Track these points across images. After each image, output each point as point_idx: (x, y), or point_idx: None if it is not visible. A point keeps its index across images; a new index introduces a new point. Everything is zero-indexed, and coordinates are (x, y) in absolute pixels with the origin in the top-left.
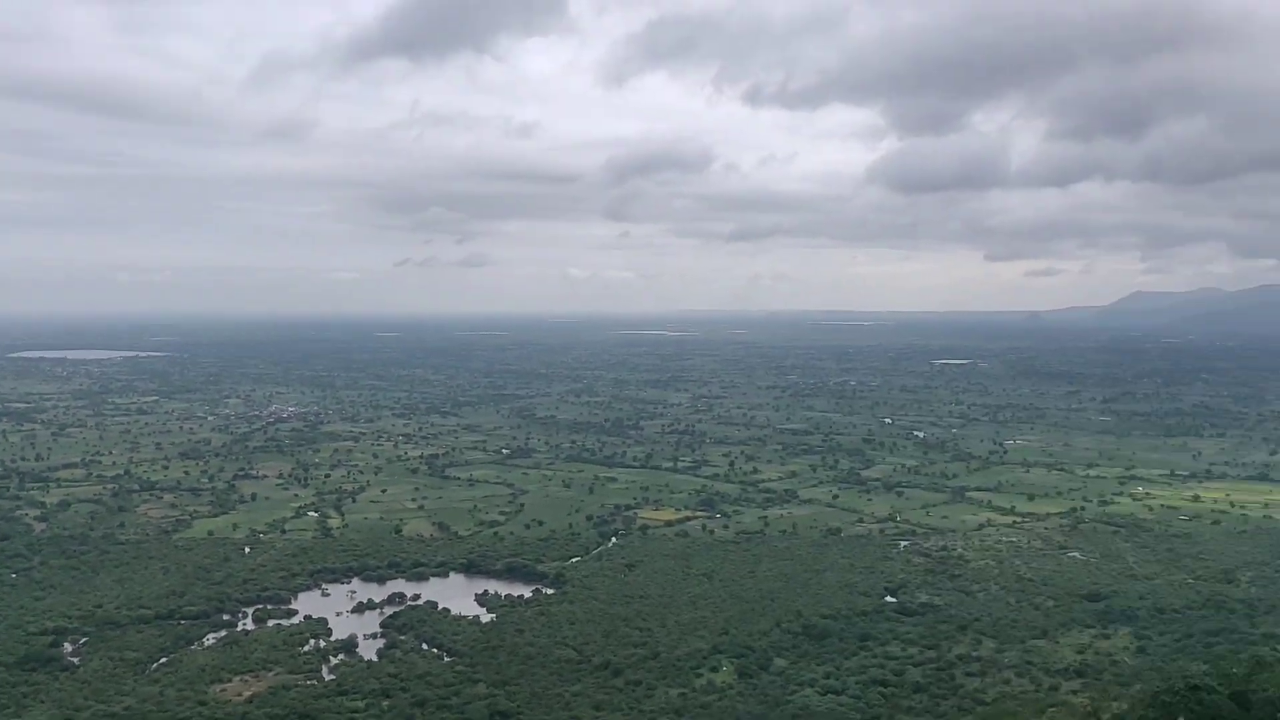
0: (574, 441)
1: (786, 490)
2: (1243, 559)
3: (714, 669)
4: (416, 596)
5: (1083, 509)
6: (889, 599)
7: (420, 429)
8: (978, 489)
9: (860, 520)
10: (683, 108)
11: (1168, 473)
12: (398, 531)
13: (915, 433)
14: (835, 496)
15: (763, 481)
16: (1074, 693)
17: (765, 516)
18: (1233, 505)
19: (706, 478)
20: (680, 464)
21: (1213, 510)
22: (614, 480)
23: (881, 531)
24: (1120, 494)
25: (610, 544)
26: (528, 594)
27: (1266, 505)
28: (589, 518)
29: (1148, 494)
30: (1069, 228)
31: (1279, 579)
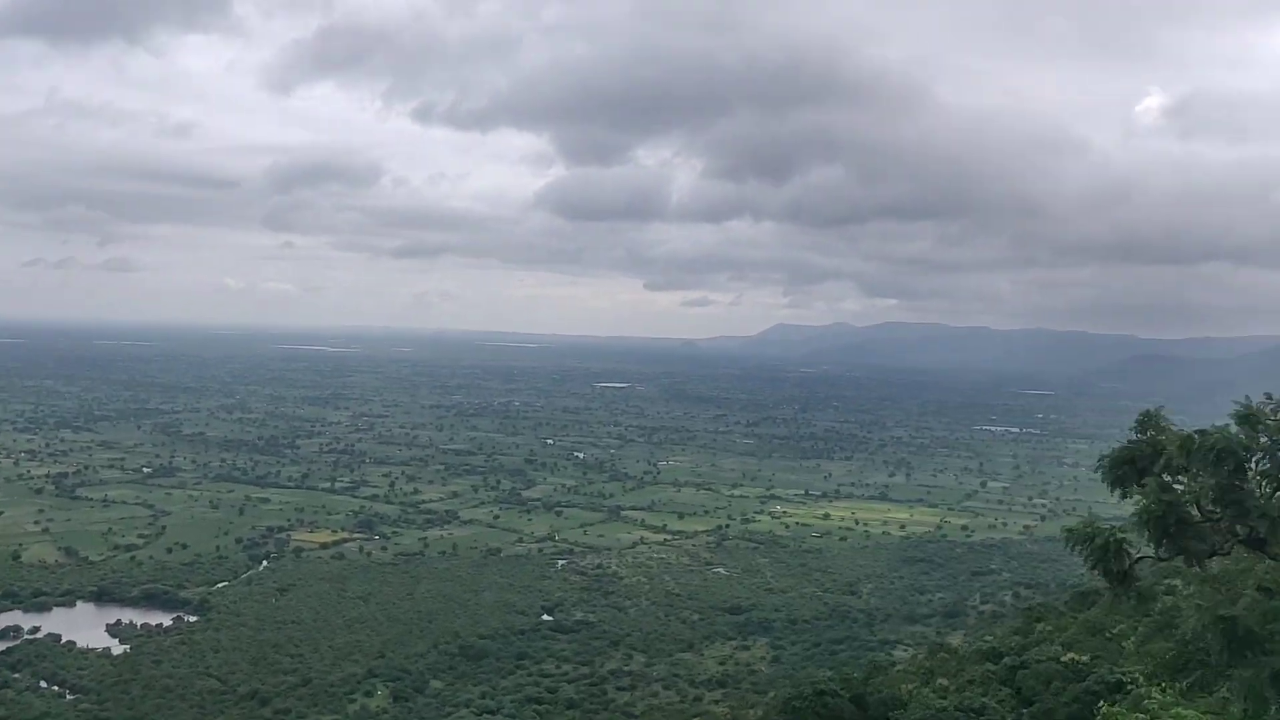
0: (224, 460)
1: (448, 511)
2: (864, 572)
3: (368, 693)
4: (35, 629)
5: (727, 527)
6: (546, 617)
7: (48, 445)
8: (633, 508)
9: (520, 540)
10: (351, 120)
11: (803, 492)
12: (16, 558)
13: (576, 453)
14: (496, 517)
15: (424, 502)
16: (716, 702)
17: (425, 538)
18: (857, 523)
19: (365, 498)
20: (338, 484)
21: (840, 527)
22: (267, 501)
23: (540, 551)
24: (761, 512)
25: (261, 568)
26: (168, 622)
27: (885, 522)
28: (238, 540)
29: (785, 512)
30: (721, 262)
31: (894, 590)
